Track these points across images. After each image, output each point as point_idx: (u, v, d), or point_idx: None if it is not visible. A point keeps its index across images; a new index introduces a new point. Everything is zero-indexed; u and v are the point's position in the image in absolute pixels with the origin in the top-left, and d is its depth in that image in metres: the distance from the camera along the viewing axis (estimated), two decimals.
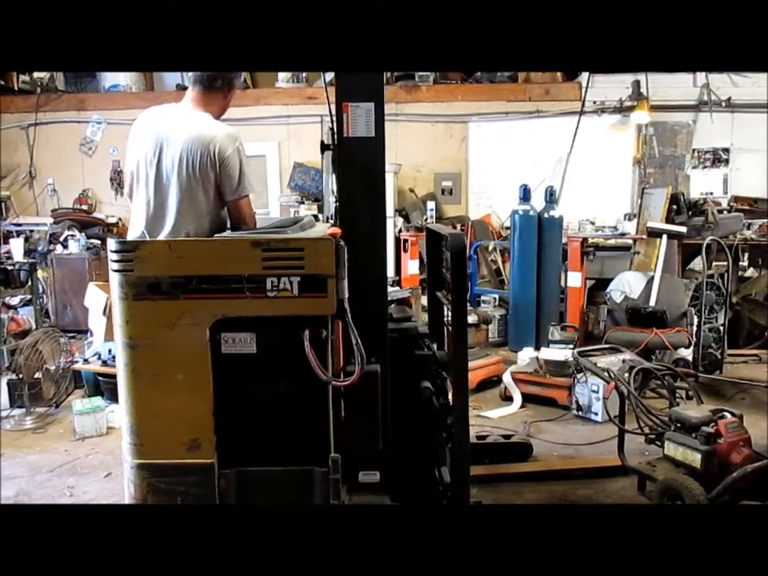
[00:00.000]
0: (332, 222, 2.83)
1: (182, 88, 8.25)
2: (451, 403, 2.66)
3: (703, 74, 7.43)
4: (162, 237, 2.56)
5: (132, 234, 2.66)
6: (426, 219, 7.16)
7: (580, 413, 4.54)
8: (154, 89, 8.53)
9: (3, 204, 7.00)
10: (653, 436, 3.39)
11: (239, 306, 2.26)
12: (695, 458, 3.05)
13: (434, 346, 2.91)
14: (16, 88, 8.47)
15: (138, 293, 2.25)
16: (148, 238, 2.58)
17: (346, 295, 2.29)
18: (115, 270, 2.28)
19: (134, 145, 2.65)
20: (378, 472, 2.49)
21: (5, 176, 8.31)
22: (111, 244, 2.32)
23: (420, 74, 7.79)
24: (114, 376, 3.63)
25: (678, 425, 3.19)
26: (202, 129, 2.55)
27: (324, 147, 2.69)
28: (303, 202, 7.68)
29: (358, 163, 2.46)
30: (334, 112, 2.49)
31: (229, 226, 2.67)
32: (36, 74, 8.69)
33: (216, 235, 2.52)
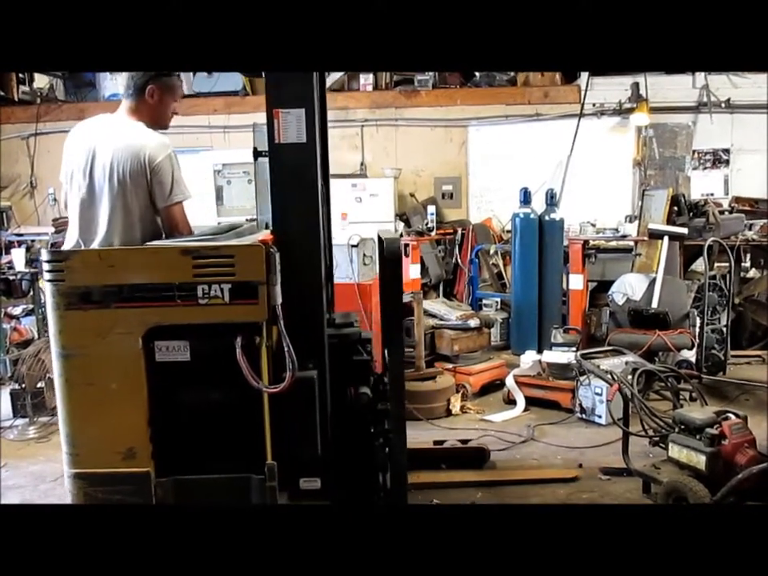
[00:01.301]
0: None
1: (181, 96, 8.28)
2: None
3: (702, 75, 7.43)
4: (94, 246, 2.58)
5: (68, 244, 2.68)
6: (427, 224, 7.16)
7: (584, 416, 4.53)
8: None
9: (4, 214, 7.01)
10: (657, 438, 3.37)
11: (171, 314, 2.27)
12: (700, 460, 3.03)
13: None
14: (16, 98, 8.49)
15: (70, 302, 2.27)
16: (83, 248, 2.58)
17: (279, 301, 2.30)
18: (47, 280, 2.30)
19: (67, 156, 2.67)
20: (318, 479, 2.48)
21: (6, 186, 8.32)
22: (43, 254, 2.36)
23: (419, 78, 7.80)
24: None
25: (682, 427, 3.18)
26: (132, 138, 2.57)
27: (257, 154, 2.69)
28: None
29: (289, 169, 2.46)
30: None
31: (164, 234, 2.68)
32: (36, 85, 8.71)
33: (147, 243, 2.52)
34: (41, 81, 8.67)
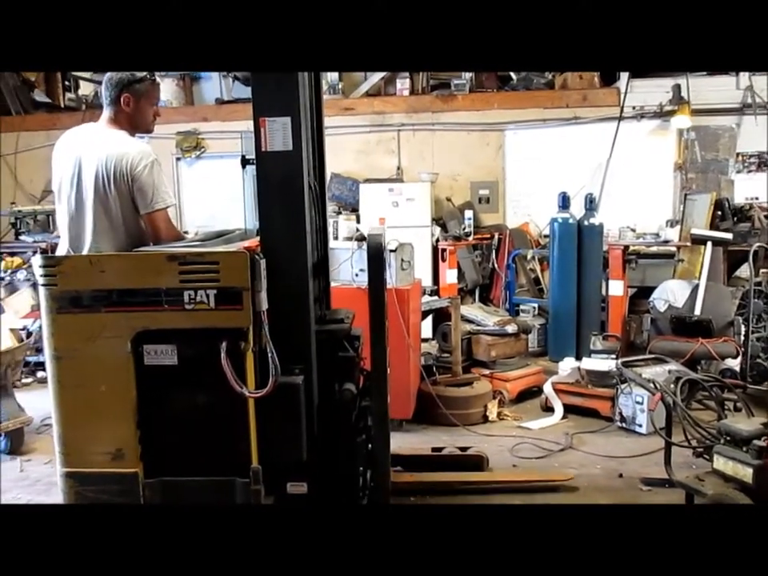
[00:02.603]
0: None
1: (221, 102, 8.41)
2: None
3: (746, 76, 7.26)
4: (84, 253, 2.64)
5: (60, 251, 2.76)
6: (464, 228, 7.12)
7: (624, 424, 4.45)
8: (194, 103, 8.68)
9: (50, 217, 7.21)
10: (701, 449, 3.30)
11: (158, 318, 2.33)
12: (746, 473, 2.96)
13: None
14: (62, 105, 8.73)
15: (62, 306, 2.35)
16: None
17: (264, 307, 2.34)
18: (41, 285, 2.38)
19: (56, 165, 2.75)
20: (305, 483, 2.50)
21: (52, 191, 8.56)
22: (37, 259, 2.43)
23: (456, 82, 7.77)
24: None
25: (728, 438, 3.10)
26: (114, 146, 2.63)
27: (245, 162, 2.71)
28: (341, 212, 7.72)
29: (276, 177, 2.49)
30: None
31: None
32: (81, 92, 8.94)
33: (135, 249, 2.57)
34: (86, 88, 8.90)
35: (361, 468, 2.73)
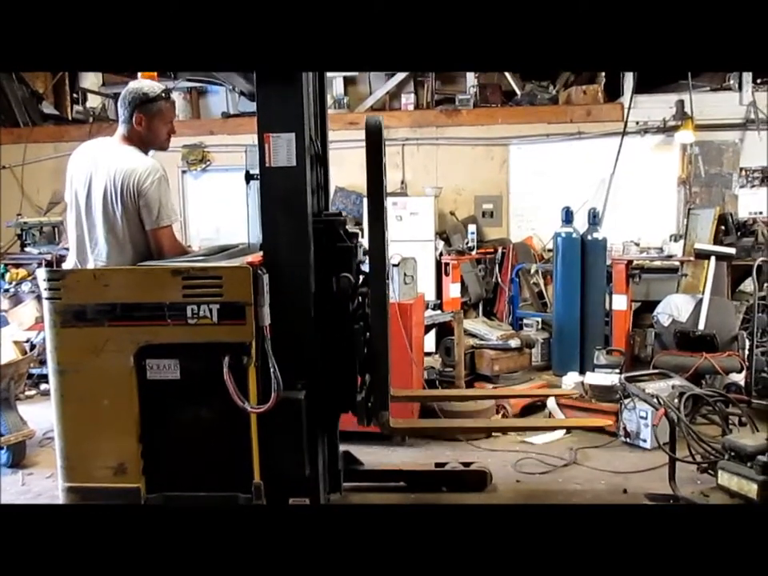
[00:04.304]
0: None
1: (227, 115, 8.46)
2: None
3: (749, 91, 7.29)
4: (89, 266, 2.66)
5: (68, 264, 2.78)
6: (467, 243, 7.14)
7: (628, 439, 4.43)
8: (200, 116, 8.74)
9: (56, 229, 7.25)
10: (705, 465, 3.29)
11: (162, 332, 2.33)
12: (751, 489, 2.94)
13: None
14: (70, 117, 8.80)
15: (66, 320, 2.35)
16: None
17: (267, 322, 2.34)
18: (46, 299, 2.39)
19: (69, 177, 2.78)
20: (308, 498, 2.48)
21: (58, 202, 8.60)
22: (41, 273, 2.43)
23: (460, 97, 7.82)
24: None
25: (732, 453, 3.10)
26: (123, 162, 2.66)
27: (249, 177, 2.73)
28: None
29: (279, 192, 2.50)
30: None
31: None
32: (89, 104, 9.02)
33: (139, 264, 2.58)
34: (94, 100, 8.97)
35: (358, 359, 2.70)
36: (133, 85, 2.78)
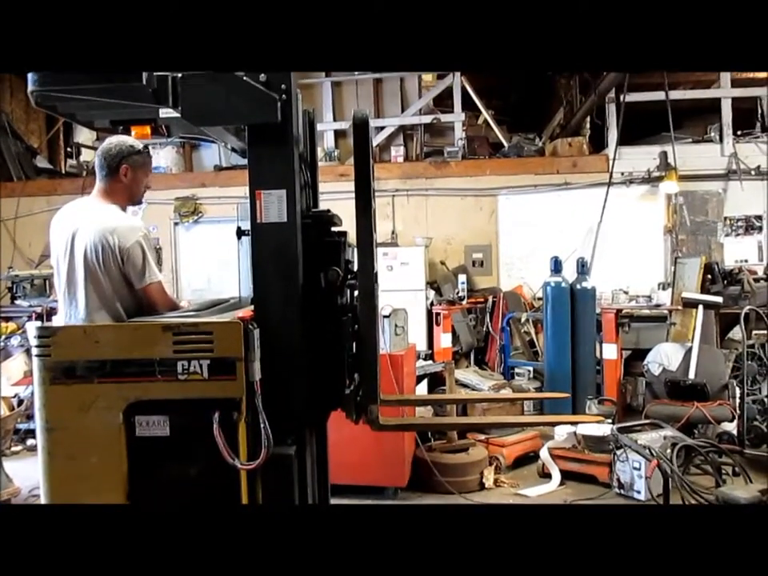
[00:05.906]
0: None
1: (219, 168, 8.59)
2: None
3: (730, 143, 7.49)
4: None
5: (58, 319, 2.80)
6: (458, 292, 7.18)
7: (622, 491, 4.39)
8: (193, 169, 8.86)
9: (47, 282, 7.25)
10: None
11: (151, 389, 2.31)
12: None
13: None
14: (64, 171, 8.91)
15: (55, 377, 2.33)
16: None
17: (257, 377, 2.33)
18: (35, 355, 2.37)
19: (52, 241, 2.80)
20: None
21: (49, 255, 8.64)
22: (31, 329, 2.43)
23: (448, 150, 7.98)
24: None
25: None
26: (103, 222, 2.67)
27: (240, 233, 2.76)
28: None
29: (270, 247, 2.51)
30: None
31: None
32: (83, 158, 9.14)
33: (129, 319, 2.59)
34: (87, 154, 9.10)
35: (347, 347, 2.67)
36: (115, 139, 2.82)
